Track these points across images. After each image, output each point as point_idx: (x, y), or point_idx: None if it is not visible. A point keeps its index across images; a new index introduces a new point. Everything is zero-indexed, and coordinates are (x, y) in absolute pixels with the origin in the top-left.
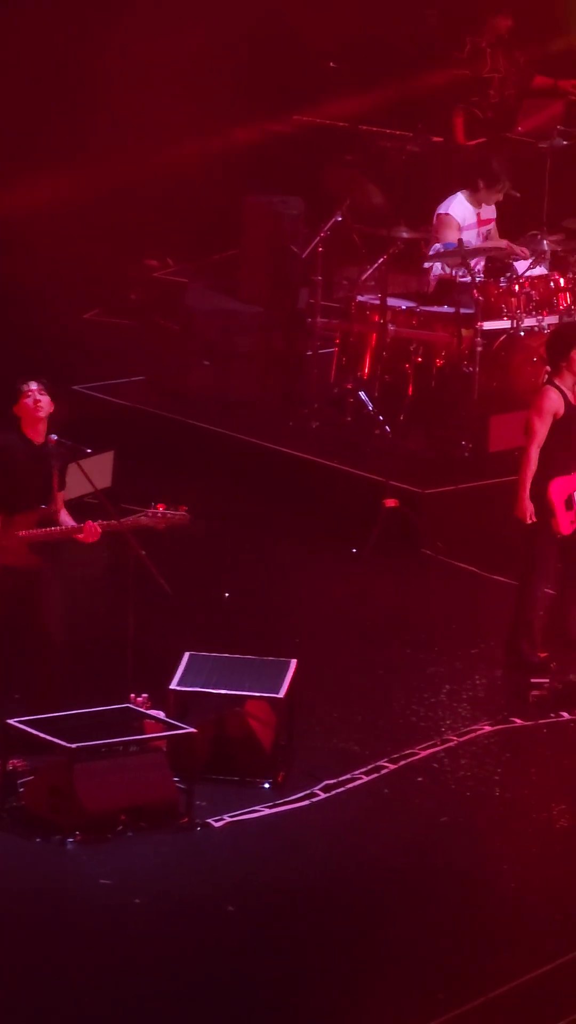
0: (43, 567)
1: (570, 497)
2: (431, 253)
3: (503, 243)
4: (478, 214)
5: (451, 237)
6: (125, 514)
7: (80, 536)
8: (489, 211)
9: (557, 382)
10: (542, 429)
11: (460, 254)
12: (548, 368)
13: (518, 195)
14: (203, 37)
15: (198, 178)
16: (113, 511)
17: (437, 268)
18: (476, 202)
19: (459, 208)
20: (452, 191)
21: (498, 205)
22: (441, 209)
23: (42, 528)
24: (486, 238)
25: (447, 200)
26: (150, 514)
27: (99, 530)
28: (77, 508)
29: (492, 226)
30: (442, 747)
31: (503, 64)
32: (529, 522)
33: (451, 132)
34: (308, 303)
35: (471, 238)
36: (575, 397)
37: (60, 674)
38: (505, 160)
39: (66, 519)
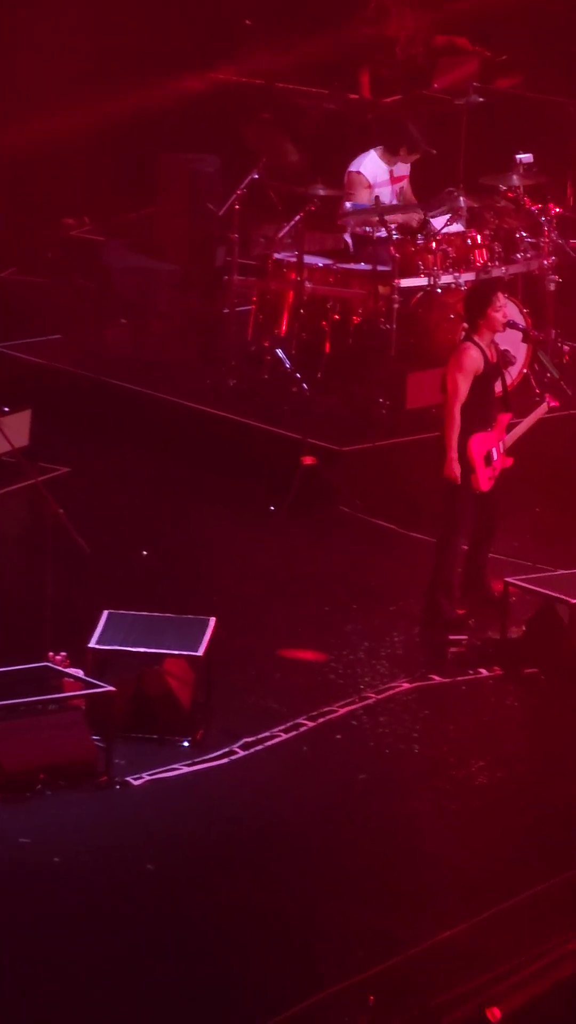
0: None
1: (489, 453)
2: (341, 211)
3: (417, 212)
4: (391, 171)
5: (362, 196)
6: (43, 472)
7: None
8: (403, 168)
9: (476, 339)
10: (464, 387)
11: (376, 211)
12: (466, 325)
13: (434, 152)
14: None
15: (114, 136)
16: (31, 469)
17: (352, 226)
18: (390, 160)
19: (371, 165)
20: (367, 148)
21: (413, 162)
22: (352, 167)
23: None
24: (399, 195)
25: (359, 157)
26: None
27: None
28: None
29: (405, 183)
30: (360, 704)
31: (409, 22)
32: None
33: (358, 90)
34: (225, 261)
35: (385, 196)
36: (492, 354)
37: None
38: (421, 120)
39: None
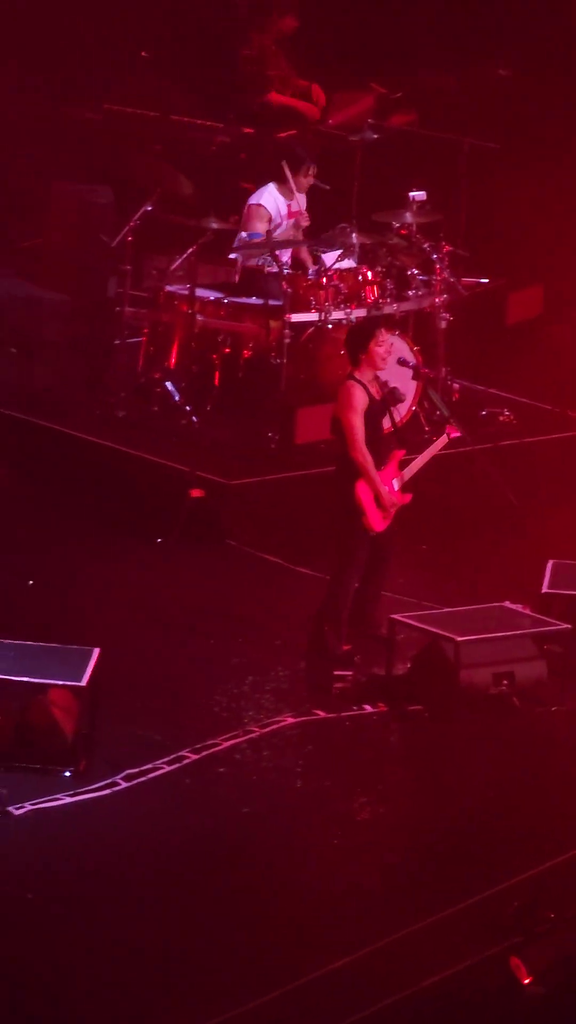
0: None
1: (378, 494)
2: (236, 243)
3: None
4: (289, 205)
5: (258, 228)
6: None
7: None
8: (299, 202)
9: (358, 376)
10: (360, 424)
11: (267, 245)
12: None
13: (327, 187)
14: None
15: (3, 163)
16: None
17: (243, 258)
18: (286, 192)
19: (269, 199)
20: (263, 182)
21: (308, 197)
22: (252, 200)
23: None
24: (296, 229)
25: (259, 191)
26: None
27: None
28: None
29: (303, 219)
30: (244, 738)
31: (284, 64)
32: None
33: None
34: (116, 292)
35: (283, 229)
36: (376, 391)
37: None
38: (309, 146)
39: None
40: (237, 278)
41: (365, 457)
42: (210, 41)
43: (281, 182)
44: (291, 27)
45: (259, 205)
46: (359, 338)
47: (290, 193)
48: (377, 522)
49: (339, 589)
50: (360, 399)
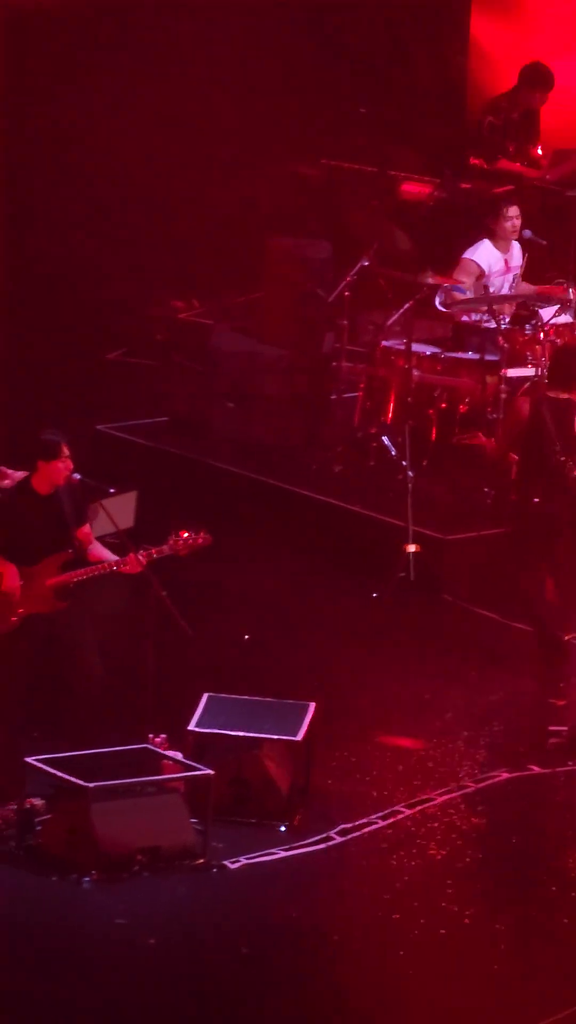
0: (71, 609)
1: None
2: (438, 296)
3: (530, 289)
4: (505, 260)
5: (463, 280)
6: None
7: (125, 568)
8: (516, 257)
9: None
10: None
11: (486, 301)
12: None
13: (544, 242)
14: (230, 77)
15: (224, 218)
16: (134, 551)
17: (458, 313)
18: (502, 247)
19: (484, 254)
20: (479, 237)
21: (526, 253)
22: (466, 254)
23: (77, 569)
24: (513, 285)
25: (473, 246)
26: (171, 542)
27: (143, 560)
28: None
29: (518, 272)
30: (459, 792)
31: (523, 136)
32: None
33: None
34: (334, 347)
35: (499, 284)
36: None
37: (98, 712)
38: (524, 202)
39: (104, 553)
40: (454, 333)
41: None
42: (430, 97)
43: (494, 237)
44: (541, 102)
45: (470, 259)
46: None
47: (506, 247)
48: None
49: None
50: None
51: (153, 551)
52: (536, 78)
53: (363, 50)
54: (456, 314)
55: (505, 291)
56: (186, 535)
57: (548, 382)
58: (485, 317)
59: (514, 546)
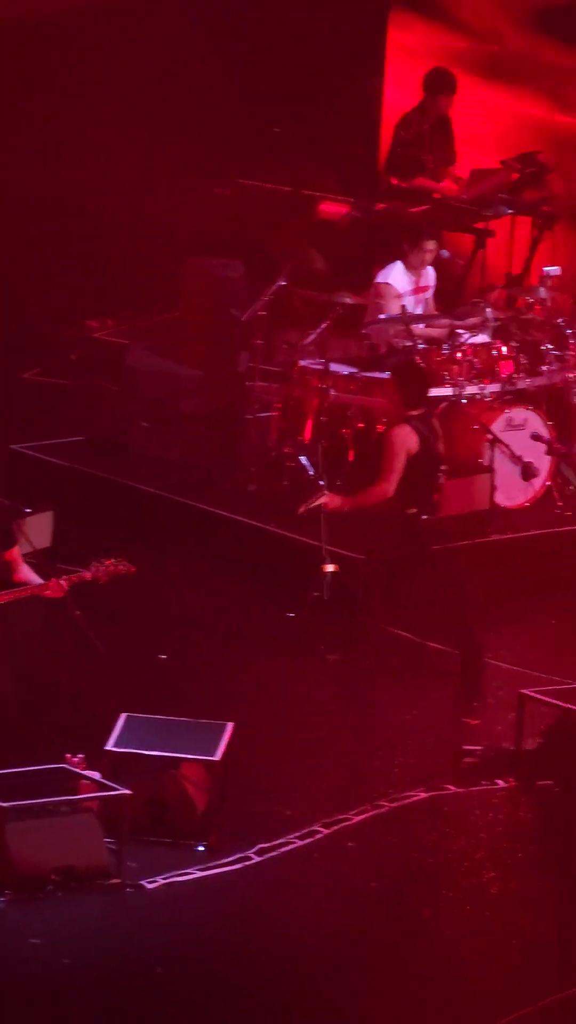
0: None
1: None
2: (370, 321)
3: (444, 324)
4: (416, 281)
5: (392, 306)
6: (61, 573)
7: (47, 593)
8: (427, 279)
9: None
10: None
11: (401, 320)
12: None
13: (447, 254)
14: (144, 98)
15: (139, 239)
16: (52, 571)
17: (375, 335)
18: (412, 269)
19: (397, 276)
20: (393, 258)
21: (439, 273)
22: (380, 278)
23: (4, 590)
24: (424, 305)
25: (386, 269)
26: (93, 568)
27: (65, 585)
28: None
29: (429, 294)
30: (374, 812)
31: (438, 147)
32: None
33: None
34: (248, 367)
35: (410, 306)
36: None
37: (13, 732)
38: (438, 222)
39: (30, 576)
40: (372, 353)
41: None
42: (343, 116)
43: (407, 262)
44: (448, 106)
45: (387, 284)
46: None
47: (415, 269)
48: None
49: None
50: None
51: (74, 577)
52: (438, 83)
53: (277, 70)
54: (374, 335)
55: (416, 311)
56: (109, 563)
57: (404, 404)
58: (402, 337)
59: (427, 565)
